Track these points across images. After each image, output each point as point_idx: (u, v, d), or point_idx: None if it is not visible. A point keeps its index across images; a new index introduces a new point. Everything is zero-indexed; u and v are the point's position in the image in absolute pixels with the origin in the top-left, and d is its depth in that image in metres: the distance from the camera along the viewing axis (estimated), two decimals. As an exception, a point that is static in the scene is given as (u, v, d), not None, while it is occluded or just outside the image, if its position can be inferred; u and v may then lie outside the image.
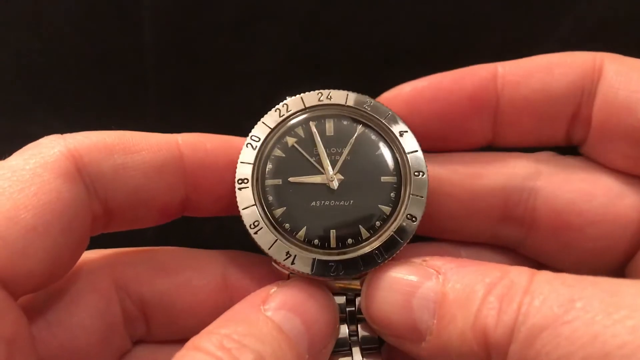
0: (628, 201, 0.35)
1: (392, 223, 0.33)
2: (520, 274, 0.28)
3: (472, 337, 0.28)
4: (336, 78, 0.40)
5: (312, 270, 0.32)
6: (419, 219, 0.33)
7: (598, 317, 0.25)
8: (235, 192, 0.33)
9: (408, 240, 0.33)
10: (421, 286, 0.30)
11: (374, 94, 0.37)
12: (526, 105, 0.36)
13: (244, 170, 0.34)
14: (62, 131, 0.32)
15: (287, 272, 0.33)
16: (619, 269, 0.36)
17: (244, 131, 0.35)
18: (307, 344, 0.30)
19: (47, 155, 0.30)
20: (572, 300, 0.26)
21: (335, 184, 0.34)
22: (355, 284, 0.33)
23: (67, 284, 0.33)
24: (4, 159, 0.31)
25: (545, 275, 0.28)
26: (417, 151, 0.34)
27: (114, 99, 0.46)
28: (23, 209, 0.28)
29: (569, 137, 0.37)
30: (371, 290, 0.31)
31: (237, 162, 0.34)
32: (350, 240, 0.33)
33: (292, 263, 0.32)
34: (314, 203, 0.33)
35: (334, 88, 0.36)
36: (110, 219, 0.32)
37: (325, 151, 0.34)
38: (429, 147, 0.36)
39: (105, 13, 0.45)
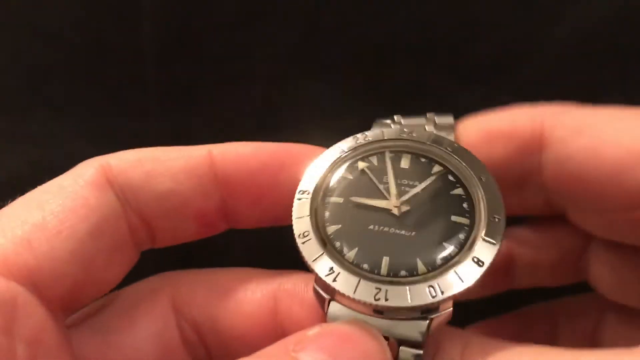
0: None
1: (457, 264, 0.29)
2: None
3: None
4: (336, 78, 0.40)
5: (354, 291, 0.28)
6: (486, 264, 0.29)
7: None
8: (277, 198, 0.31)
9: (470, 286, 0.28)
10: None
11: (374, 94, 0.37)
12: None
13: (307, 183, 0.32)
14: (61, 131, 0.33)
15: (327, 298, 0.30)
16: None
17: (244, 131, 0.35)
18: None
19: (78, 171, 0.30)
20: None
21: (398, 211, 0.31)
22: (403, 332, 0.29)
23: (125, 304, 0.32)
24: (2, 159, 0.31)
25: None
26: (496, 197, 0.31)
27: (114, 99, 0.46)
28: (49, 215, 0.28)
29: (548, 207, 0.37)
30: None
31: (273, 166, 0.32)
32: (404, 272, 0.29)
33: (334, 280, 0.29)
34: (372, 227, 0.30)
35: (334, 88, 0.36)
36: (151, 231, 0.32)
37: (396, 181, 0.32)
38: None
39: (105, 13, 0.45)
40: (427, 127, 0.35)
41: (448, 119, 0.35)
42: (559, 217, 0.38)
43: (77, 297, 0.30)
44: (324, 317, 0.30)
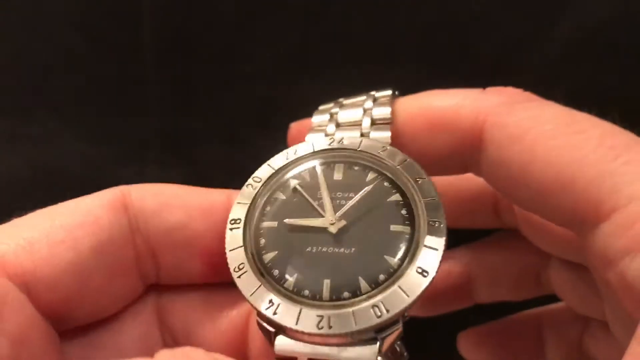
0: None
1: (400, 277, 0.27)
2: None
3: None
4: (336, 78, 0.40)
5: (296, 322, 0.26)
6: (431, 274, 0.27)
7: None
8: None
9: (416, 299, 0.27)
10: None
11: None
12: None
13: (238, 211, 0.30)
14: (61, 131, 0.33)
15: (272, 330, 0.28)
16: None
17: (244, 130, 0.35)
18: None
19: (101, 193, 0.31)
20: None
21: (335, 228, 0.29)
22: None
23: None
24: (2, 158, 0.31)
25: None
26: (434, 199, 0.29)
27: (114, 99, 0.46)
28: (58, 227, 0.29)
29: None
30: None
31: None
32: (346, 294, 0.27)
33: (274, 313, 0.27)
34: (309, 249, 0.29)
35: (334, 88, 0.35)
36: (156, 263, 0.32)
37: (330, 195, 0.30)
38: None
39: (105, 12, 0.45)
40: (366, 104, 0.33)
41: (386, 93, 0.34)
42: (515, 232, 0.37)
43: (71, 310, 0.30)
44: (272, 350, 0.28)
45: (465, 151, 0.32)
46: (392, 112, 0.32)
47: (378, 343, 0.26)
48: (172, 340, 0.33)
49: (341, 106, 0.35)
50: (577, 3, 0.45)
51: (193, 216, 0.31)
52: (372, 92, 0.34)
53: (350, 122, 0.33)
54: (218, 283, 0.34)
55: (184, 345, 0.32)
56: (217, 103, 0.46)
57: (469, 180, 0.36)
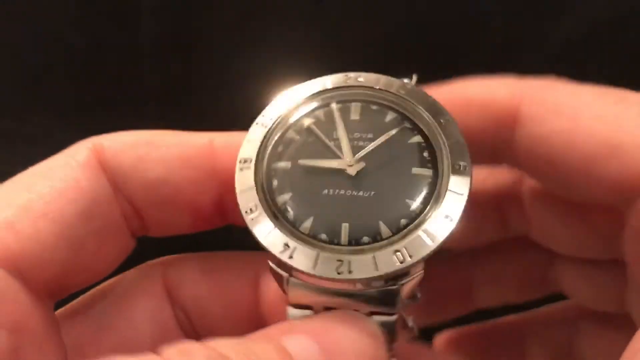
0: None
1: (423, 222, 0.26)
2: None
3: None
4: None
5: (314, 266, 0.25)
6: (456, 220, 0.26)
7: None
8: None
9: (440, 244, 0.26)
10: None
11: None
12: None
13: (248, 150, 0.28)
14: (61, 131, 0.32)
15: (285, 275, 0.27)
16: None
17: (244, 130, 0.35)
18: None
19: (70, 152, 0.29)
20: None
21: (353, 170, 0.28)
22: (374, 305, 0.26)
23: (119, 290, 0.32)
24: (1, 159, 0.31)
25: None
26: (459, 142, 0.28)
27: (113, 99, 0.46)
28: (36, 197, 0.27)
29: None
30: None
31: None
32: (366, 238, 0.26)
33: (290, 257, 0.26)
34: (326, 191, 0.27)
35: None
36: (143, 220, 0.31)
37: (347, 136, 0.28)
38: None
39: (104, 12, 0.45)
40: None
41: (409, 81, 0.31)
42: (521, 237, 0.37)
43: (66, 282, 0.29)
44: (285, 297, 0.27)
45: (500, 131, 0.31)
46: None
47: (397, 287, 0.26)
48: (183, 314, 0.32)
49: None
50: (577, 3, 0.45)
51: (173, 169, 0.30)
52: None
53: None
54: (221, 246, 0.33)
55: (195, 319, 0.31)
56: (217, 103, 0.46)
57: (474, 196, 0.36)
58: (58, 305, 0.31)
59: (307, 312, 0.27)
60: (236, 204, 0.27)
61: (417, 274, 0.26)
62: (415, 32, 0.45)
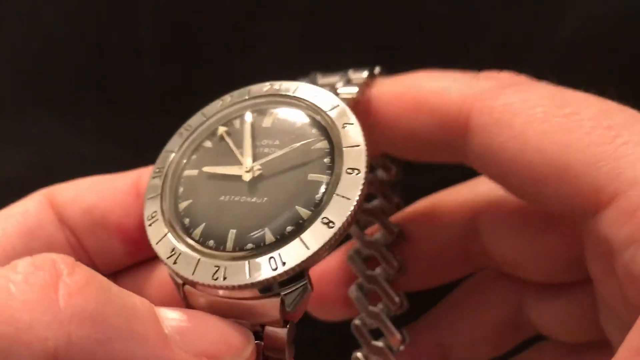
0: None
1: (304, 229, 0.26)
2: None
3: None
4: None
5: (193, 272, 0.25)
6: (337, 225, 0.25)
7: None
8: None
9: (317, 251, 0.25)
10: None
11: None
12: None
13: (163, 159, 0.30)
14: (60, 131, 0.33)
15: (180, 282, 0.27)
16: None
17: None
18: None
19: (27, 197, 0.32)
20: None
21: (248, 177, 0.28)
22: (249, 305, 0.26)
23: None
24: (1, 159, 0.32)
25: None
26: (358, 146, 0.27)
27: (113, 99, 0.46)
28: None
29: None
30: None
31: None
32: (250, 245, 0.26)
33: (174, 263, 0.26)
34: (223, 197, 0.27)
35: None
36: (85, 250, 0.32)
37: (255, 142, 0.29)
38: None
39: (103, 12, 0.45)
40: (338, 84, 0.32)
41: (362, 74, 0.32)
42: (484, 285, 0.36)
43: None
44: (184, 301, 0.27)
45: (450, 137, 0.30)
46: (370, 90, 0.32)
47: (279, 298, 0.25)
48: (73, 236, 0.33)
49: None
50: (577, 3, 0.45)
51: (103, 195, 0.31)
52: (350, 72, 0.33)
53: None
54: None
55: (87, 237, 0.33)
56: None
57: (435, 237, 0.35)
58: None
59: None
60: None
61: (301, 284, 0.25)
62: (415, 32, 0.45)
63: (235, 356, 0.25)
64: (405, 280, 0.35)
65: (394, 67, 0.45)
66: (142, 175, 0.32)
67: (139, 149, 0.46)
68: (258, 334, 0.26)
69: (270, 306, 0.25)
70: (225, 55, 0.46)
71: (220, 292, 0.26)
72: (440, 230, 0.35)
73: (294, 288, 0.25)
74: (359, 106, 0.31)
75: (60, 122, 0.45)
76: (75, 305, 0.22)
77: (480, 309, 0.36)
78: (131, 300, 0.24)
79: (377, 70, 0.33)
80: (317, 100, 0.29)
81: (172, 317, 0.24)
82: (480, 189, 0.35)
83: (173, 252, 0.27)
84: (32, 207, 0.31)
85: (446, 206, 0.36)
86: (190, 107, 0.47)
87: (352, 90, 0.31)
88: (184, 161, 0.30)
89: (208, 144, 0.30)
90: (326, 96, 0.29)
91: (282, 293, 0.25)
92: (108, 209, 0.31)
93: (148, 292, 0.32)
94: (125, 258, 0.33)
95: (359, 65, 0.35)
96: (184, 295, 0.27)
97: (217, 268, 0.25)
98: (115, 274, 0.33)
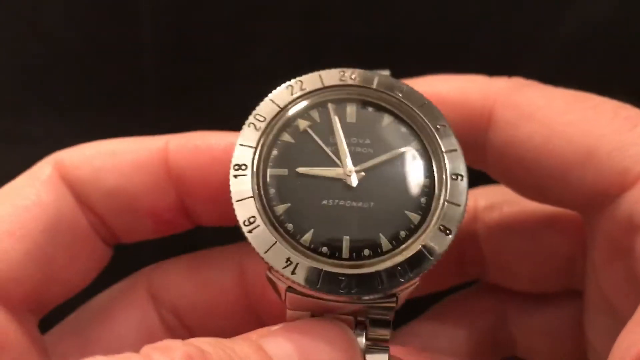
0: None
1: (422, 235, 0.26)
2: None
3: None
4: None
5: (317, 283, 0.25)
6: (454, 231, 0.26)
7: None
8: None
9: (440, 258, 0.26)
10: None
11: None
12: None
13: (243, 155, 0.27)
14: (61, 131, 0.33)
15: (284, 285, 0.26)
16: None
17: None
18: None
19: (34, 170, 0.30)
20: None
21: (354, 180, 0.27)
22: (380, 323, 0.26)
23: (102, 302, 0.32)
24: (1, 159, 0.31)
25: None
26: (455, 150, 0.27)
27: (113, 98, 0.46)
28: (1, 218, 0.28)
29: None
30: None
31: (226, 160, 0.28)
32: (367, 252, 0.26)
33: (293, 273, 0.25)
34: (325, 202, 0.26)
35: None
36: (109, 228, 0.31)
37: (345, 141, 0.28)
38: None
39: (104, 12, 0.45)
40: None
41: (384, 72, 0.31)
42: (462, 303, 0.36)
43: (43, 298, 0.29)
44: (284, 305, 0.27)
45: (471, 133, 0.31)
46: None
47: (395, 299, 0.26)
48: (172, 316, 0.32)
49: None
50: (577, 2, 0.45)
51: (128, 176, 0.30)
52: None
53: None
54: (200, 245, 0.33)
55: (185, 320, 0.32)
56: (217, 103, 0.46)
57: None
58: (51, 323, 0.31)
59: (305, 313, 0.27)
60: (233, 214, 0.27)
61: (414, 284, 0.26)
62: (415, 32, 0.45)
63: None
64: None
65: (394, 67, 0.46)
66: (170, 150, 0.30)
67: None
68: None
69: (387, 306, 0.26)
70: (225, 55, 0.46)
71: (347, 300, 0.26)
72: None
73: (407, 287, 0.26)
74: None
75: (60, 121, 0.45)
76: None
77: (461, 321, 0.37)
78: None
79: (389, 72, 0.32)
80: (402, 97, 0.28)
81: (281, 352, 0.25)
82: (478, 193, 0.36)
83: (289, 262, 0.25)
84: (44, 193, 0.29)
85: None
86: (191, 106, 0.47)
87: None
88: (266, 158, 0.28)
89: (288, 138, 0.28)
90: (412, 92, 0.29)
91: (399, 294, 0.26)
92: (136, 191, 0.30)
93: (208, 297, 0.32)
94: (154, 234, 0.32)
95: (359, 65, 0.35)
96: (288, 298, 0.26)
97: (342, 280, 0.25)
98: (167, 269, 0.32)
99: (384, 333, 0.27)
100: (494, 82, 0.32)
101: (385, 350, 0.27)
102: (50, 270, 0.29)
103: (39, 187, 0.29)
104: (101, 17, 0.46)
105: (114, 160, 0.30)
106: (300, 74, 0.35)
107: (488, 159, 0.31)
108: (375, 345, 0.27)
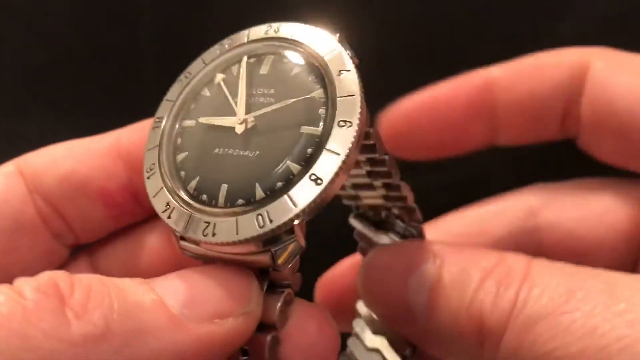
0: (621, 215, 0.35)
1: (293, 185, 0.24)
2: (517, 260, 0.28)
3: (467, 321, 0.27)
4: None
5: (184, 228, 0.25)
6: (325, 181, 0.24)
7: (598, 309, 0.25)
8: None
9: (304, 209, 0.24)
10: (418, 268, 0.28)
11: (374, 94, 0.37)
12: (520, 107, 0.36)
13: (164, 108, 0.28)
14: (60, 131, 0.33)
15: (178, 235, 0.26)
16: None
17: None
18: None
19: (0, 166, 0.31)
20: (572, 290, 0.26)
21: (240, 129, 0.26)
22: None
23: None
24: (1, 159, 0.31)
25: (542, 262, 0.28)
26: (352, 95, 0.25)
27: (113, 98, 0.46)
28: None
29: (564, 132, 0.37)
30: (369, 268, 0.29)
31: None
32: (240, 201, 0.25)
33: (169, 217, 0.26)
34: (217, 150, 0.26)
35: None
36: (64, 220, 0.31)
37: (249, 91, 0.27)
38: (431, 155, 0.37)
39: (104, 12, 0.45)
40: None
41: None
42: None
43: None
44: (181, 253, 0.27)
45: (570, 87, 0.34)
46: None
47: (269, 254, 0.25)
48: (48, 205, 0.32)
49: None
50: (577, 2, 0.45)
51: (81, 160, 0.31)
52: None
53: None
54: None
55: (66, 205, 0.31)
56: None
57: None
58: None
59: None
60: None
61: (289, 240, 0.25)
62: (416, 32, 0.45)
63: (244, 305, 0.25)
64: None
65: (393, 66, 0.46)
66: (122, 136, 0.31)
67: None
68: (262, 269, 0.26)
69: (262, 261, 0.25)
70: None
71: (210, 247, 0.25)
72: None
73: (282, 245, 0.25)
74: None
75: (60, 121, 0.45)
76: (85, 325, 0.22)
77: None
78: (134, 296, 0.23)
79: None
80: (315, 45, 0.28)
81: (171, 290, 0.24)
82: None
83: (167, 207, 0.26)
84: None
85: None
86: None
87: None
88: (183, 110, 0.28)
89: (206, 92, 0.28)
90: (326, 39, 0.28)
91: (273, 249, 0.25)
92: (87, 173, 0.31)
93: (141, 260, 0.32)
94: (110, 223, 0.32)
95: (359, 63, 0.35)
96: (180, 248, 0.27)
97: (207, 224, 0.25)
98: (105, 243, 0.32)
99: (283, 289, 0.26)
100: (589, 48, 0.35)
101: (281, 292, 0.26)
102: None
103: None
104: (101, 18, 0.46)
105: (70, 149, 0.31)
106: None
107: (583, 123, 0.34)
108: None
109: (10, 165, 0.31)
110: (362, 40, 0.46)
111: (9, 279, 0.31)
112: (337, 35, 0.28)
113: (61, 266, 0.32)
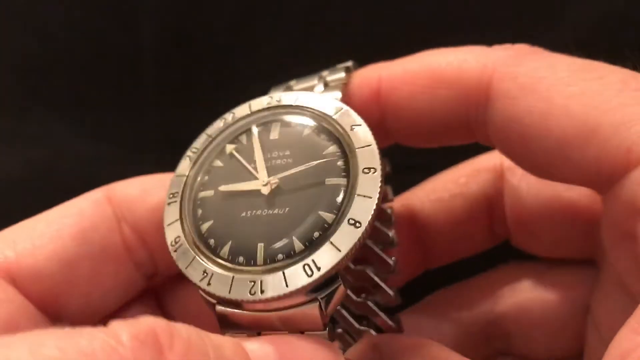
0: None
1: (333, 233, 0.26)
2: None
3: None
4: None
5: (229, 291, 0.26)
6: (364, 224, 0.25)
7: None
8: None
9: (350, 252, 0.25)
10: None
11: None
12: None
13: (175, 184, 0.30)
14: (61, 131, 0.33)
15: (214, 302, 0.27)
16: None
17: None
18: None
19: (86, 194, 0.32)
20: None
21: (266, 189, 0.28)
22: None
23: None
24: (1, 159, 0.31)
25: None
26: (369, 145, 0.28)
27: (113, 99, 0.46)
28: (42, 222, 0.30)
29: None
30: None
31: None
32: (280, 256, 0.26)
33: (208, 284, 0.26)
34: (244, 214, 0.28)
35: None
36: (148, 249, 0.32)
37: (265, 155, 0.29)
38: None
39: (104, 12, 0.45)
40: (316, 88, 0.32)
41: (339, 75, 0.32)
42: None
43: (60, 299, 0.30)
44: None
45: (470, 109, 0.30)
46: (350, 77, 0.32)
47: (317, 303, 0.25)
48: (136, 235, 0.33)
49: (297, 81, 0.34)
50: (577, 2, 0.45)
51: None
52: (325, 73, 0.33)
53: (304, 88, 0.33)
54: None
55: (152, 239, 0.32)
56: (217, 103, 0.46)
57: (463, 198, 0.35)
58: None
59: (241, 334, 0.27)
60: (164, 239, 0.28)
61: (336, 286, 0.26)
62: (416, 32, 0.45)
63: None
64: (425, 258, 0.36)
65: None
66: None
67: (138, 149, 0.46)
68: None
69: (310, 312, 0.26)
70: (225, 55, 0.46)
71: (259, 306, 0.26)
72: (472, 187, 0.35)
73: (329, 290, 0.26)
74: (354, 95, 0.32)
75: (60, 121, 0.45)
76: None
77: (449, 314, 0.36)
78: (224, 351, 0.23)
79: (350, 63, 0.33)
80: (321, 107, 0.30)
81: (262, 354, 0.24)
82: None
83: (205, 274, 0.27)
84: (87, 206, 0.31)
85: (480, 164, 0.36)
86: (190, 106, 0.47)
87: (337, 94, 0.31)
88: (197, 183, 0.30)
89: (218, 163, 0.30)
90: (328, 101, 0.30)
91: (320, 297, 0.25)
92: None
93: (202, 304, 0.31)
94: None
95: (359, 65, 0.35)
96: (217, 316, 0.27)
97: (252, 283, 0.26)
98: (177, 278, 0.32)
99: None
100: (492, 51, 0.30)
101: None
102: (72, 275, 0.30)
103: (83, 201, 0.31)
104: (101, 18, 0.46)
105: (161, 180, 0.32)
106: (299, 75, 0.36)
107: (490, 135, 0.30)
108: None
109: (98, 193, 0.31)
110: (366, 37, 0.46)
111: (89, 306, 0.31)
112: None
113: (137, 295, 0.33)
